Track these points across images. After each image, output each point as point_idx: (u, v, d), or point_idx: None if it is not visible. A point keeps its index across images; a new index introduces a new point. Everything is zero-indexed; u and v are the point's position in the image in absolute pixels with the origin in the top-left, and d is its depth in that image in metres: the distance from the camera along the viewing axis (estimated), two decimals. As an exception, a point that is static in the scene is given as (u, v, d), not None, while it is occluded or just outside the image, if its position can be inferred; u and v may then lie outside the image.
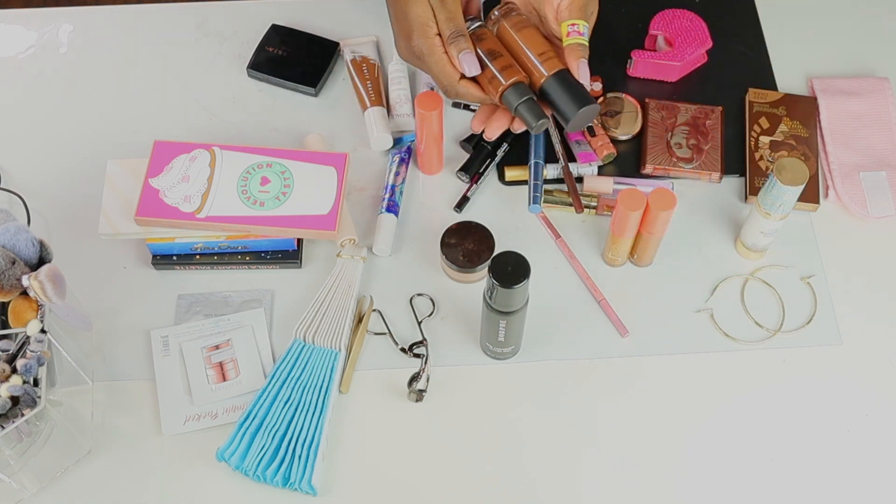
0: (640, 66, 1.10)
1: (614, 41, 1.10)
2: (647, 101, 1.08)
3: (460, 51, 0.86)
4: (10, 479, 0.86)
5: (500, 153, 1.06)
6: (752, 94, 1.08)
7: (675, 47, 1.09)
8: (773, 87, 1.11)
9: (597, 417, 0.92)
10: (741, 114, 1.09)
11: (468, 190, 1.04)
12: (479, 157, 1.05)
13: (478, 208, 1.04)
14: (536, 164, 1.03)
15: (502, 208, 1.04)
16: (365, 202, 1.04)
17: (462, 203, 1.03)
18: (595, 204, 1.02)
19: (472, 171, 1.05)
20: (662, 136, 1.06)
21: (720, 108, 1.07)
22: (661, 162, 1.04)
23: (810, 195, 1.02)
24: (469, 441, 0.91)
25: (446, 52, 0.88)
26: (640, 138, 1.06)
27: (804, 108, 1.08)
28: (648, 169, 1.04)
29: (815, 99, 1.09)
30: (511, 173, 1.05)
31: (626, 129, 1.06)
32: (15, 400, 0.81)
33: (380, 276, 1.00)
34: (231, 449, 0.88)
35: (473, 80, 0.89)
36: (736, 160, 1.05)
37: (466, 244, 0.97)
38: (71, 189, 1.05)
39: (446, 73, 0.88)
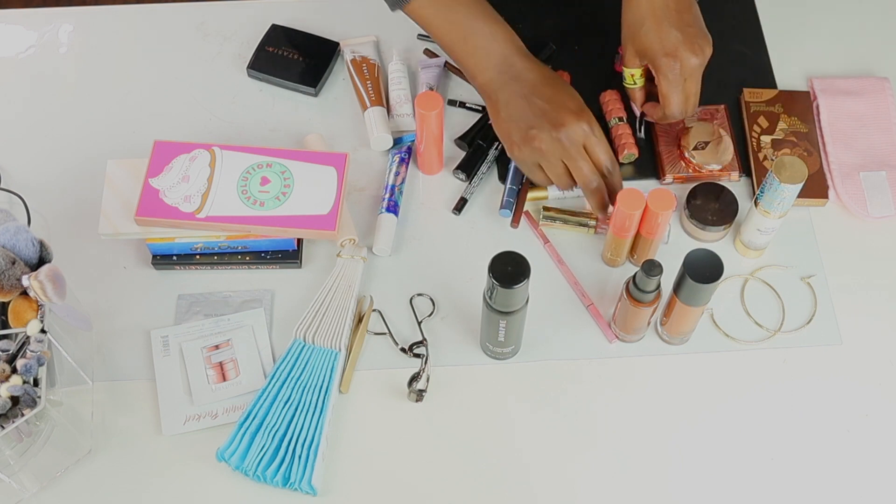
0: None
1: (614, 41, 1.10)
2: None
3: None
4: (10, 479, 0.86)
5: (492, 151, 1.05)
6: (747, 94, 1.08)
7: (675, 47, 1.09)
8: (774, 87, 1.11)
9: (597, 417, 0.92)
10: (740, 115, 1.08)
11: (464, 192, 1.03)
12: (474, 155, 1.05)
13: (478, 208, 1.04)
14: (516, 168, 1.02)
15: (502, 208, 1.04)
16: (365, 202, 1.04)
17: (460, 205, 1.03)
18: (593, 223, 1.00)
19: (467, 169, 1.04)
20: (674, 141, 1.04)
21: (723, 105, 1.07)
22: (680, 170, 1.03)
23: (819, 190, 1.02)
24: (469, 441, 0.91)
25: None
26: (653, 147, 1.05)
27: (800, 103, 1.07)
28: (668, 179, 1.03)
29: (808, 92, 1.08)
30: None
31: (719, 158, 1.02)
32: (15, 400, 0.81)
33: (380, 276, 1.00)
34: (231, 449, 0.88)
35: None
36: (740, 161, 1.05)
37: (711, 204, 0.99)
38: (71, 189, 1.05)
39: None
